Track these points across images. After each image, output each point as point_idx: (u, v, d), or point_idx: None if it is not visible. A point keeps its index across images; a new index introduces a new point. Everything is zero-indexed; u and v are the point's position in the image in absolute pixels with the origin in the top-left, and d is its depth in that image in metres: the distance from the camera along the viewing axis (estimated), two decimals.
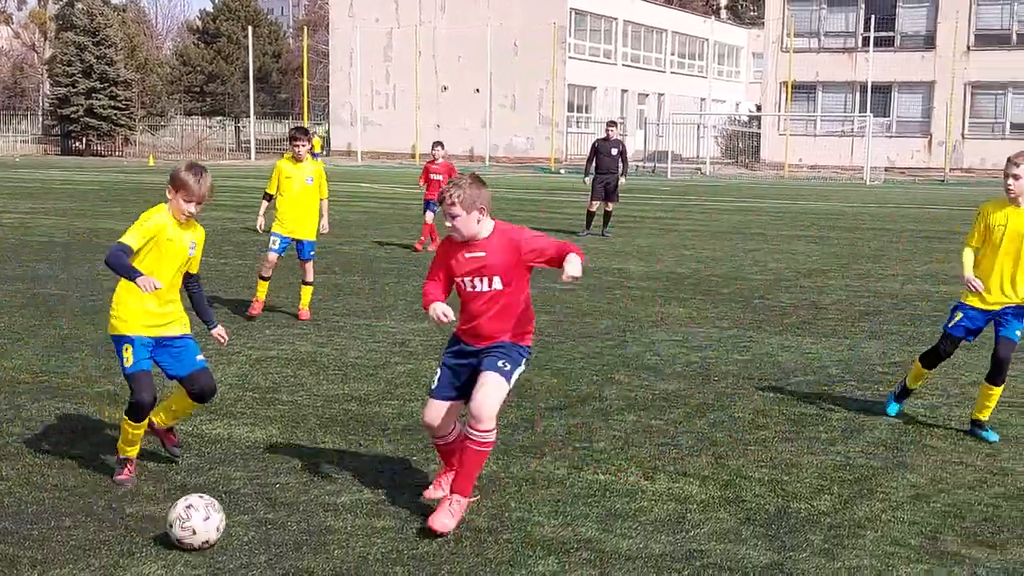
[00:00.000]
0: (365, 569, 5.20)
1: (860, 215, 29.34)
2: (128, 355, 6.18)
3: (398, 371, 9.40)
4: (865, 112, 53.17)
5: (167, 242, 6.22)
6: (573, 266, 5.56)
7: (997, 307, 7.68)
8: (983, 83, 55.51)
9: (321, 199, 12.32)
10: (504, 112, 62.33)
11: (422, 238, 18.93)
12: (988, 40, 55.36)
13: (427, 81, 63.79)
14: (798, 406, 8.48)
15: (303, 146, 12.05)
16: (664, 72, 72.55)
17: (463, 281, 5.82)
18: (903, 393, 8.26)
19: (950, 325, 7.88)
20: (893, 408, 8.26)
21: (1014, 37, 54.86)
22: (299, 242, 12.11)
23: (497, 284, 5.75)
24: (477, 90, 62.36)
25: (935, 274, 16.79)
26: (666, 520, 5.92)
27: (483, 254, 5.75)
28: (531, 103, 62.20)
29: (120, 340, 6.24)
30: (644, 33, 70.29)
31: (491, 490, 6.34)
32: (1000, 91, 55.37)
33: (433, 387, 5.98)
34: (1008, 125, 55.38)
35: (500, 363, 5.72)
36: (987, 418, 7.81)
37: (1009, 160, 7.52)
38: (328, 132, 70.10)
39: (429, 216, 18.69)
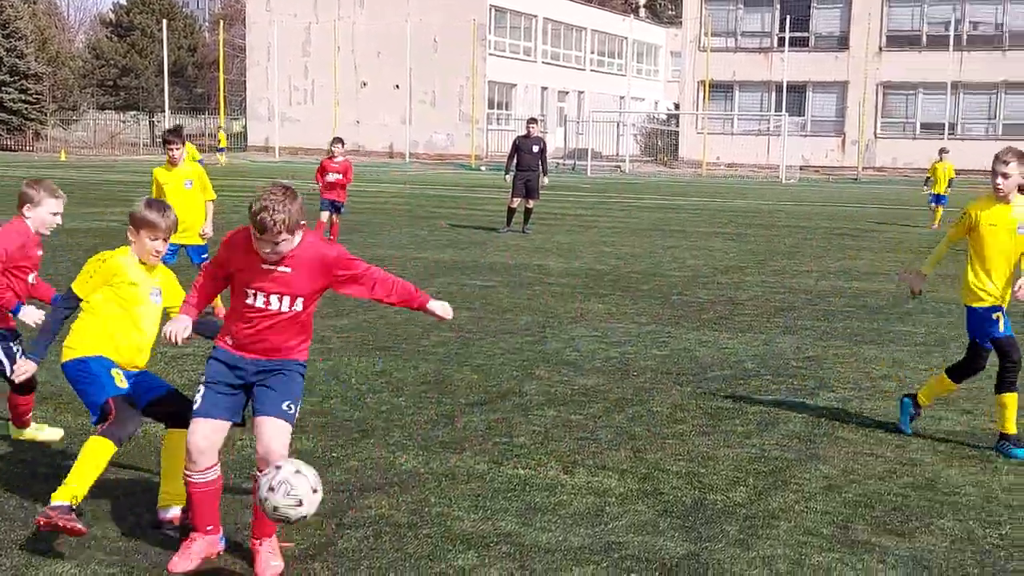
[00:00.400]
0: (285, 567, 5.16)
1: (776, 213, 29.84)
2: (118, 376, 5.52)
3: (316, 368, 9.33)
4: (781, 111, 54.06)
5: (129, 287, 5.59)
6: (443, 307, 5.38)
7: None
8: (894, 83, 56.76)
9: (206, 201, 11.94)
10: (424, 108, 62.19)
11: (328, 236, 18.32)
12: (899, 41, 56.63)
13: (346, 77, 63.39)
14: (715, 400, 8.60)
15: (177, 149, 11.64)
16: (584, 70, 72.97)
17: (255, 295, 5.07)
18: (1013, 439, 7.36)
19: (1001, 330, 7.35)
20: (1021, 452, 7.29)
21: (924, 39, 56.17)
22: (186, 248, 11.82)
23: (298, 306, 5.10)
24: (397, 86, 62.13)
25: (848, 270, 17.14)
26: (585, 513, 5.97)
27: (288, 270, 5.03)
28: (451, 100, 62.13)
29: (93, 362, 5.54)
30: (564, 31, 70.61)
31: (411, 485, 6.34)
32: (911, 91, 56.66)
33: (197, 407, 5.15)
34: (918, 125, 56.70)
35: (285, 405, 5.11)
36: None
37: (997, 158, 7.34)
38: (245, 127, 69.33)
39: (324, 216, 17.91)
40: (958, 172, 48.68)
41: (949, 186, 25.69)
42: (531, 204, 22.13)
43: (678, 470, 6.78)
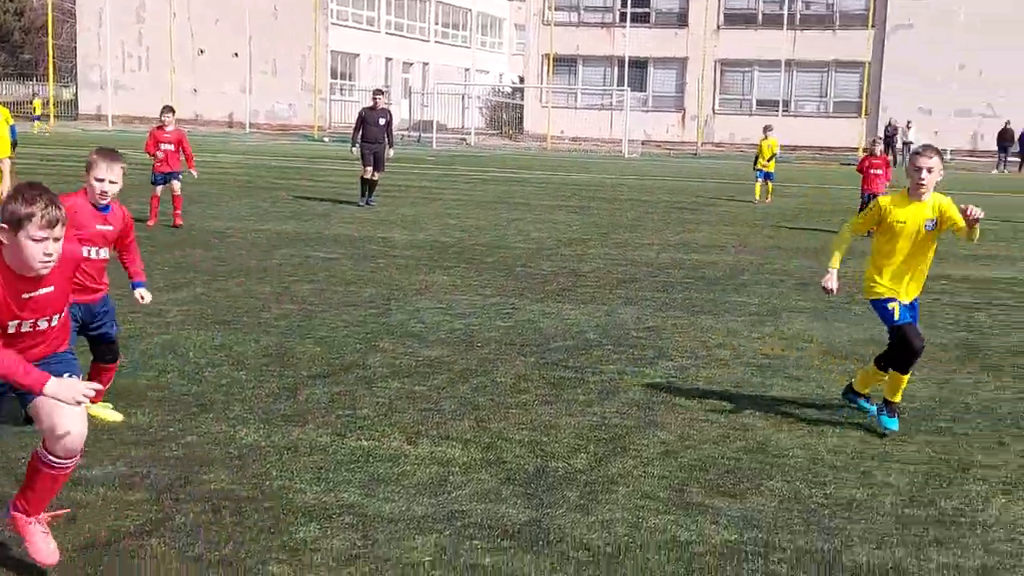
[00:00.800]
0: (118, 543, 5.04)
1: (619, 187, 30.34)
2: None
3: (154, 342, 9.11)
4: (623, 86, 54.88)
5: None
6: None
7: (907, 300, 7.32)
8: (731, 61, 58.22)
9: (2, 159, 11.30)
10: (265, 78, 60.91)
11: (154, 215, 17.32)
12: (736, 19, 58.06)
13: (182, 44, 61.55)
14: (557, 370, 8.72)
15: None
16: (428, 41, 72.59)
17: (18, 325, 4.64)
18: (889, 407, 7.39)
19: (896, 318, 7.21)
20: (893, 423, 7.32)
21: (760, 17, 57.74)
22: None
23: (62, 313, 4.82)
24: (236, 54, 60.66)
25: (687, 243, 17.57)
26: (428, 483, 6.00)
27: (51, 289, 4.66)
28: (293, 69, 61.01)
29: None
30: (407, 1, 70.07)
31: (251, 459, 6.25)
32: (747, 68, 58.23)
33: None
34: (754, 102, 58.33)
35: (66, 376, 4.70)
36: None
37: (918, 154, 7.13)
38: (76, 95, 66.74)
39: (159, 190, 17.25)
40: (793, 148, 50.33)
41: (771, 159, 26.44)
42: (376, 176, 21.95)
43: (521, 439, 6.86)
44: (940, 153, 7.26)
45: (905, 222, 7.12)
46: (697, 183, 32.99)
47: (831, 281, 7.44)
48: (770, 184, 26.41)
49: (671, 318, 11.10)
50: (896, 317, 7.23)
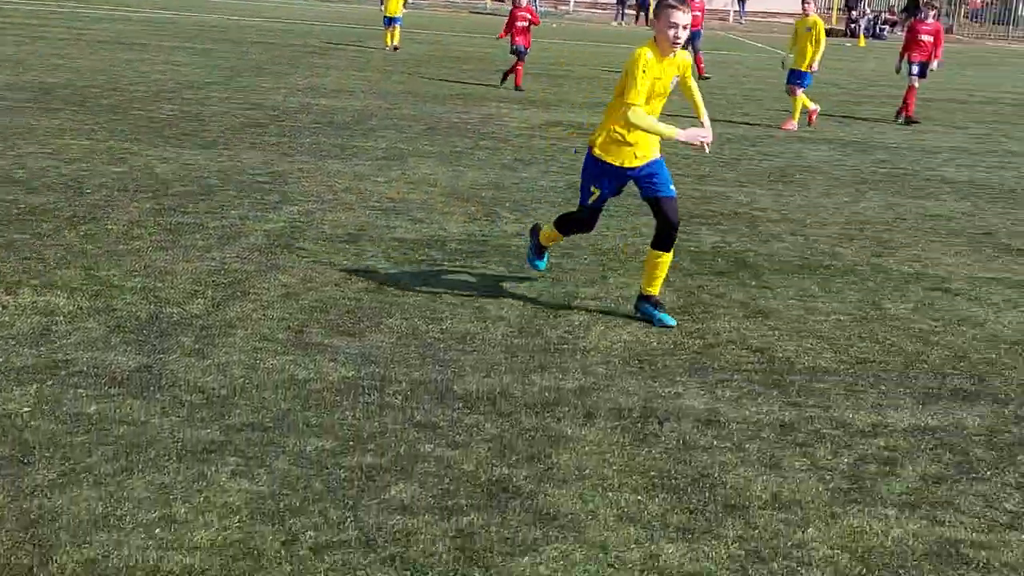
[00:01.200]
0: None
1: (245, 28, 29.25)
2: None
3: None
4: None
5: None
6: None
7: (639, 165, 6.63)
8: None
9: None
10: None
11: None
12: None
13: None
14: (175, 216, 8.40)
15: None
16: None
17: None
18: (540, 250, 7.30)
19: (590, 203, 6.79)
20: (541, 264, 7.33)
21: None
22: None
23: None
24: None
25: (316, 88, 17.29)
26: (29, 333, 5.64)
27: None
28: None
29: None
30: None
31: None
32: None
33: None
34: None
35: None
36: (658, 293, 6.83)
37: (675, 8, 6.32)
38: None
39: None
40: None
41: (405, 7, 26.42)
42: None
43: (132, 286, 6.57)
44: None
45: (660, 78, 6.50)
46: (327, 27, 32.36)
47: (698, 134, 6.59)
48: (396, 28, 26.28)
49: (297, 163, 10.94)
50: (590, 202, 6.79)
